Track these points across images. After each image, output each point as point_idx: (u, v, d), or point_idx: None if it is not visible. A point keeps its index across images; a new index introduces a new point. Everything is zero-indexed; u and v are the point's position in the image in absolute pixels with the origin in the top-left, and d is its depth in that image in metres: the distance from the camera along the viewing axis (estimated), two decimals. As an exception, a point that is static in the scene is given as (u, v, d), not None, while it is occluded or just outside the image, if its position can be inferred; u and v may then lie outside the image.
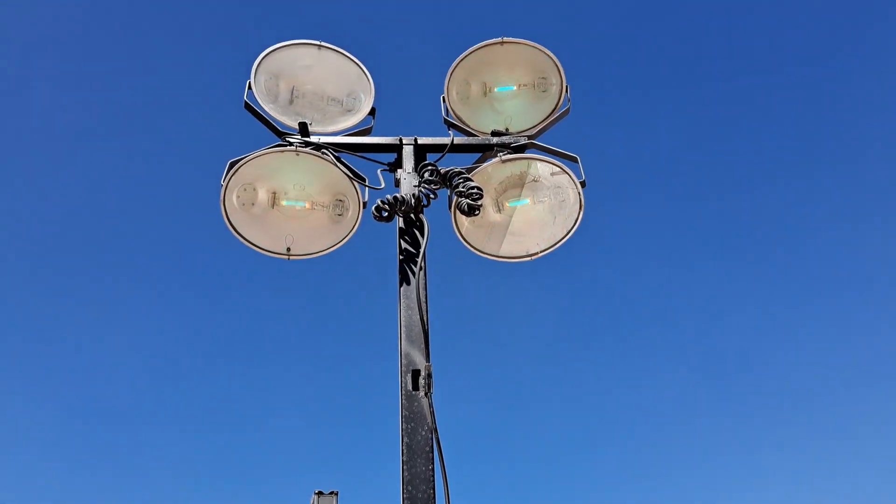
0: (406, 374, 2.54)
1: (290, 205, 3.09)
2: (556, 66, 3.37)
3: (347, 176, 3.02)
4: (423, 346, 2.59)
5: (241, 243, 3.00)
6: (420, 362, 2.56)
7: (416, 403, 2.49)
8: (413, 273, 2.74)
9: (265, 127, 3.27)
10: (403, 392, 2.51)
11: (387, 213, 2.82)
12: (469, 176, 2.98)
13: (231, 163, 3.01)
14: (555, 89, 3.40)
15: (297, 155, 3.01)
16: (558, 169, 3.05)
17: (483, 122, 3.46)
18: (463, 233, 3.17)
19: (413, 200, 2.87)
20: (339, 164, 3.03)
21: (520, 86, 3.48)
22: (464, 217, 3.00)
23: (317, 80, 3.48)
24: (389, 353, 2.72)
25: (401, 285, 2.75)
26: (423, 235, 2.82)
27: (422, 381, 2.52)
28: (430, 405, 2.47)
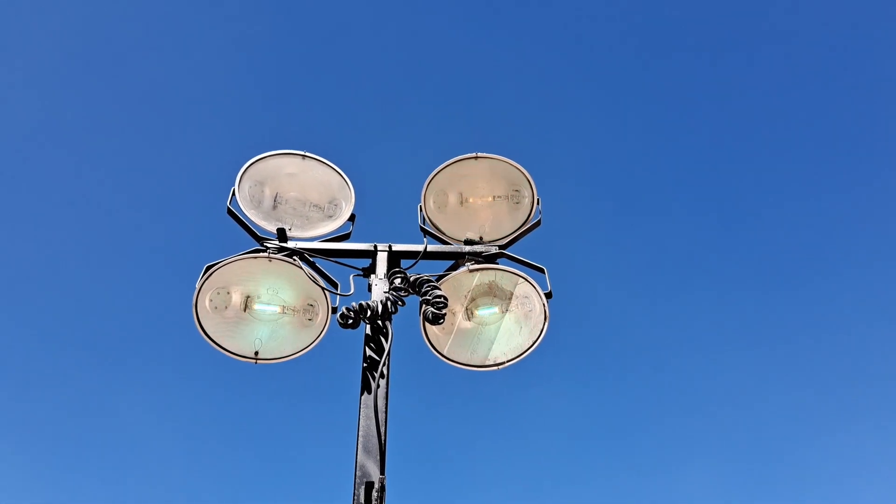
0: (360, 486, 2.51)
1: (262, 309, 3.15)
2: (528, 180, 3.50)
3: (315, 282, 3.09)
4: (378, 457, 2.57)
5: (210, 346, 3.04)
6: (374, 474, 2.53)
7: (367, 518, 2.44)
8: (375, 381, 2.75)
9: (245, 232, 3.40)
10: (355, 505, 2.47)
11: (352, 321, 2.87)
12: (436, 284, 3.05)
13: (207, 266, 3.11)
14: (527, 202, 3.52)
15: (270, 261, 3.11)
16: (523, 279, 3.12)
17: (458, 231, 3.56)
18: (431, 340, 3.20)
19: (380, 307, 2.92)
20: (307, 270, 3.12)
21: (494, 197, 3.60)
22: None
23: (300, 188, 3.63)
24: (350, 463, 2.69)
25: (362, 393, 2.75)
26: (387, 343, 2.85)
27: (375, 495, 2.48)
28: (382, 520, 2.42)
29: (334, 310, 3.15)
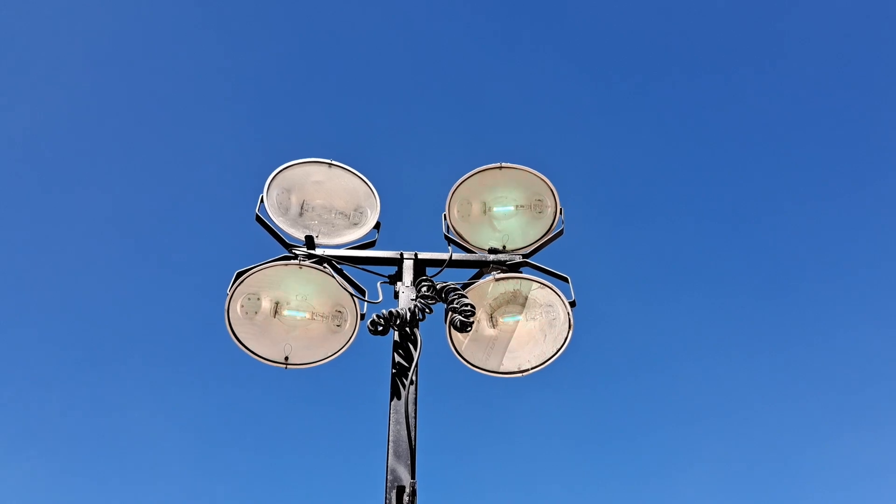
0: (391, 491, 2.56)
1: (292, 314, 3.21)
2: (551, 189, 3.55)
3: (346, 290, 3.15)
4: (409, 462, 2.62)
5: (242, 351, 3.10)
6: (405, 479, 2.59)
7: (398, 522, 2.49)
8: (404, 387, 2.81)
9: (274, 239, 3.47)
10: (387, 509, 2.53)
11: (382, 328, 2.92)
12: (463, 292, 3.10)
13: (238, 273, 3.17)
14: (550, 211, 3.57)
15: (301, 268, 3.17)
16: (548, 288, 3.17)
17: (482, 240, 3.61)
18: (457, 347, 3.26)
19: (408, 315, 2.98)
20: (337, 278, 3.18)
21: (517, 206, 3.65)
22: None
23: (326, 195, 3.69)
24: (380, 467, 2.74)
25: (391, 399, 2.81)
26: (416, 350, 2.91)
27: (406, 499, 2.53)
28: (413, 524, 2.47)
29: (362, 316, 3.21)
